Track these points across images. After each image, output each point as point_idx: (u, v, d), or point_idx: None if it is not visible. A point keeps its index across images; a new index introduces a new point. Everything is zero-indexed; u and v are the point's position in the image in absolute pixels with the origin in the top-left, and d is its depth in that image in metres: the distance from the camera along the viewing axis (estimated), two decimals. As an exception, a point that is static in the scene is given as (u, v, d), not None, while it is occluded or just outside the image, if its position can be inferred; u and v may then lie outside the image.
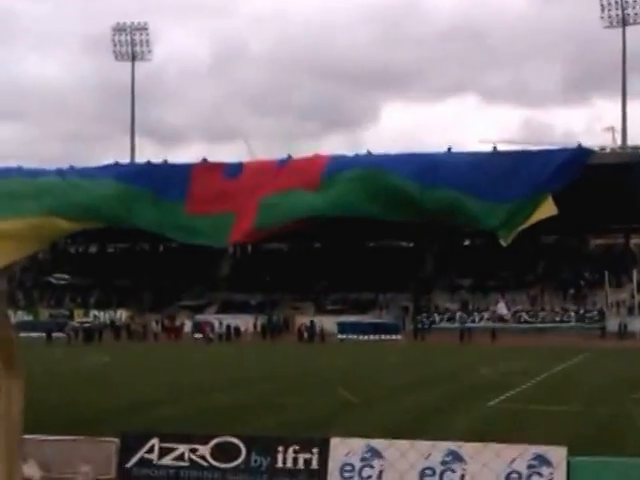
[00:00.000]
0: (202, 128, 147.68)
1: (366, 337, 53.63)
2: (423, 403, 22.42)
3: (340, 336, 54.42)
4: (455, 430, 17.13)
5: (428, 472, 13.05)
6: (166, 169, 5.23)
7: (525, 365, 33.11)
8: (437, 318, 62.37)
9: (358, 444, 13.55)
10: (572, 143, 46.34)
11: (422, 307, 64.25)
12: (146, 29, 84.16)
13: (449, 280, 68.04)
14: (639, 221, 62.20)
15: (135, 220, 4.92)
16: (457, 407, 21.70)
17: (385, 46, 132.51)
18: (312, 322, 56.64)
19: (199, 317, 64.24)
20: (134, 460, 14.20)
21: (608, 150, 65.39)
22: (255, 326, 61.35)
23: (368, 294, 65.91)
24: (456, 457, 12.97)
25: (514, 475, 12.70)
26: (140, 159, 69.17)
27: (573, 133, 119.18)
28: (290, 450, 13.63)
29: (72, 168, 5.30)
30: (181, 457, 14.04)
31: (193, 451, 13.99)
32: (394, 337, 53.43)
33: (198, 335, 57.41)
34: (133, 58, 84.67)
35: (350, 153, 5.49)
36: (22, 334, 43.34)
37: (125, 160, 68.63)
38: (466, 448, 13.11)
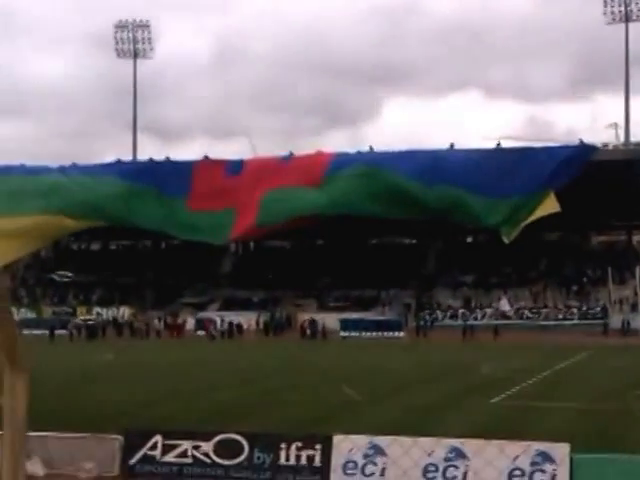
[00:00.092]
0: (204, 125, 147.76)
1: (368, 334, 53.62)
2: (426, 400, 22.43)
3: (342, 333, 54.43)
4: (458, 427, 17.13)
5: (431, 469, 13.06)
6: (168, 166, 5.22)
7: (528, 362, 33.10)
8: (439, 315, 62.33)
9: (361, 441, 13.55)
10: (575, 140, 46.28)
11: (424, 304, 64.23)
12: (148, 26, 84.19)
13: (451, 277, 68.02)
14: (642, 218, 62.10)
15: (138, 218, 4.91)
16: (460, 404, 21.71)
17: (387, 42, 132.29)
18: (312, 319, 56.52)
19: (201, 314, 64.28)
20: (137, 457, 14.23)
21: (611, 147, 65.26)
22: (257, 323, 61.38)
23: (370, 291, 65.92)
24: (459, 454, 12.97)
25: (517, 472, 12.70)
26: (142, 156, 69.08)
27: (576, 129, 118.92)
28: (293, 447, 13.64)
29: (75, 166, 5.28)
30: (184, 454, 14.06)
31: (196, 448, 14.01)
32: (396, 334, 53.43)
33: (201, 332, 57.46)
34: (135, 55, 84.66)
35: (352, 150, 5.48)
36: (25, 331, 43.46)
37: (127, 157, 68.60)
38: (469, 445, 13.11)
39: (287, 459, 13.63)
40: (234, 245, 74.89)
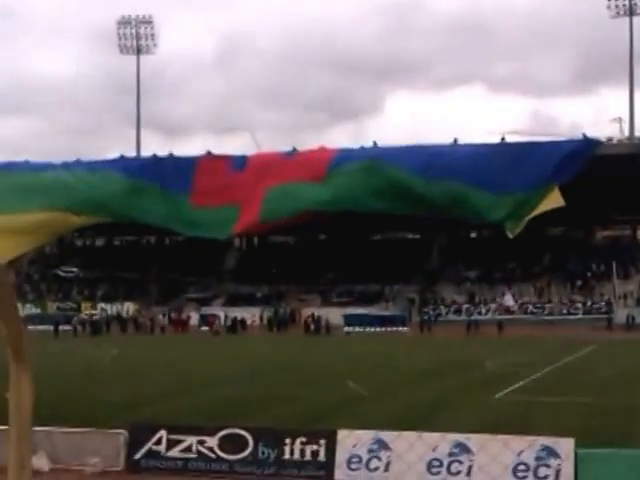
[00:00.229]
0: (207, 121, 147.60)
1: (372, 329, 53.62)
2: (430, 395, 22.43)
3: (346, 328, 54.42)
4: (462, 422, 17.13)
5: (435, 463, 13.06)
6: (171, 163, 5.22)
7: (532, 357, 33.07)
8: (443, 310, 62.28)
9: (365, 436, 13.56)
10: (579, 134, 46.11)
11: (428, 299, 64.18)
12: (151, 22, 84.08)
13: (455, 272, 67.96)
14: (646, 212, 61.96)
15: (143, 215, 4.92)
16: (464, 399, 21.71)
17: (391, 37, 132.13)
18: (314, 315, 56.52)
19: (206, 310, 64.34)
20: (142, 452, 14.26)
21: (615, 141, 65.05)
22: (261, 318, 61.43)
23: (374, 286, 65.90)
24: (463, 449, 12.97)
25: (522, 467, 12.70)
26: (146, 152, 69.19)
27: (580, 124, 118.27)
28: (297, 442, 13.66)
29: (79, 162, 5.29)
30: (189, 449, 14.09)
31: (201, 443, 14.04)
32: (400, 329, 53.41)
33: (205, 328, 57.52)
34: (138, 51, 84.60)
35: (356, 144, 5.49)
36: (30, 327, 43.50)
37: (131, 153, 68.59)
38: (473, 440, 13.11)
39: (291, 454, 13.65)
40: (238, 240, 74.90)
